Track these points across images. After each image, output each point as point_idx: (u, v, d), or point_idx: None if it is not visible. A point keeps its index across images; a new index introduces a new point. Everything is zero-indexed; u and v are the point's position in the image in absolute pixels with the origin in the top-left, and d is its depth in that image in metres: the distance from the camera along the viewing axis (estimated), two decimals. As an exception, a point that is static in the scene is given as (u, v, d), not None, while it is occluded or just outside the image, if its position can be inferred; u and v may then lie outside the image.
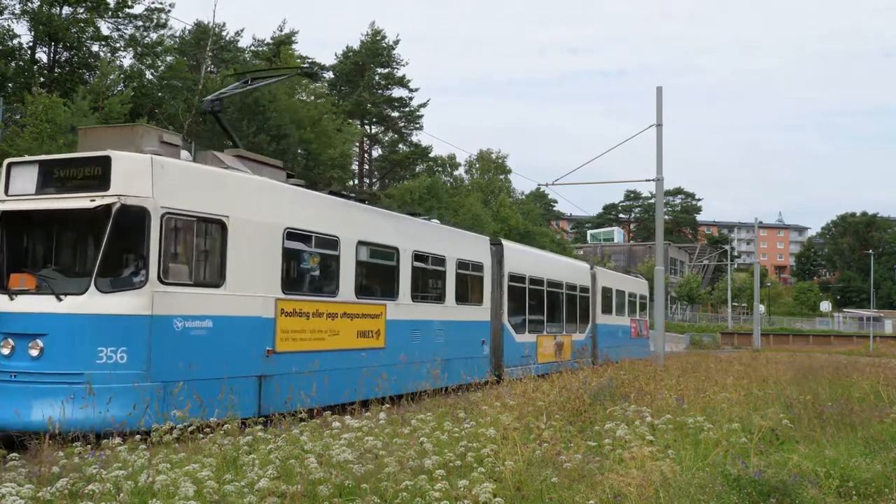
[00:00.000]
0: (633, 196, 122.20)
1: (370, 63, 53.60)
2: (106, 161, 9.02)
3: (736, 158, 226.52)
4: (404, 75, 54.73)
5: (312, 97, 40.16)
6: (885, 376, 14.77)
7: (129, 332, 8.82)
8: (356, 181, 53.90)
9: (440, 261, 15.41)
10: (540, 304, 20.45)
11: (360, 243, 12.77)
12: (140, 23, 33.83)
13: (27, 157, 10.01)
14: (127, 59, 34.03)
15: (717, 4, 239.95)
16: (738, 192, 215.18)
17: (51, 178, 9.34)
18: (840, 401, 10.96)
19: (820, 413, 9.69)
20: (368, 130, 55.12)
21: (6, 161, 9.76)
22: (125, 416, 7.97)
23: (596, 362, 20.74)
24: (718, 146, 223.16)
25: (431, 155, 54.65)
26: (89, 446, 6.56)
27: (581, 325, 23.59)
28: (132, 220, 8.96)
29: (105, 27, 32.81)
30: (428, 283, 15.19)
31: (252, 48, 42.14)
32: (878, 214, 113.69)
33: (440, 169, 55.53)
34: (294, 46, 41.34)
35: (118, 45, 33.40)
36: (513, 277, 18.70)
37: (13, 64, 29.40)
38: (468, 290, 16.65)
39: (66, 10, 30.93)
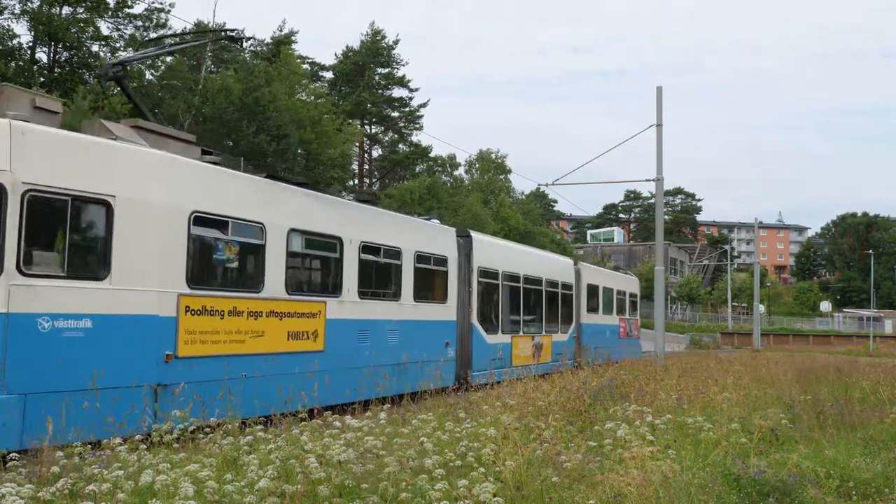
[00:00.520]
0: (633, 196, 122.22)
1: (370, 63, 53.61)
2: None
3: (736, 158, 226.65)
4: (404, 75, 54.78)
5: (313, 97, 40.14)
6: (885, 376, 14.78)
7: None
8: (356, 181, 53.92)
9: (395, 253, 13.90)
10: (515, 302, 19.17)
11: (294, 232, 11.27)
12: (140, 23, 33.84)
13: None
14: (127, 60, 33.99)
15: (717, 4, 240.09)
16: (738, 192, 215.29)
17: None
18: (840, 401, 10.97)
19: (820, 413, 9.70)
20: (368, 130, 55.12)
21: None
22: None
23: (579, 364, 20.36)
24: (718, 146, 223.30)
25: (431, 155, 54.69)
26: (89, 446, 6.56)
27: (563, 325, 22.36)
28: None
29: (105, 27, 32.83)
30: (380, 278, 13.66)
31: (252, 48, 42.13)
32: (878, 215, 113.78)
33: (440, 169, 55.53)
34: (294, 46, 41.30)
35: (118, 45, 33.40)
36: (484, 273, 17.38)
37: (13, 64, 29.39)
38: (430, 286, 15.25)
39: (66, 10, 30.93)
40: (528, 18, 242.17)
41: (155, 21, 34.17)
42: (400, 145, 56.08)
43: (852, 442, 8.22)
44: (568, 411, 9.28)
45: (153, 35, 34.24)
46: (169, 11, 34.28)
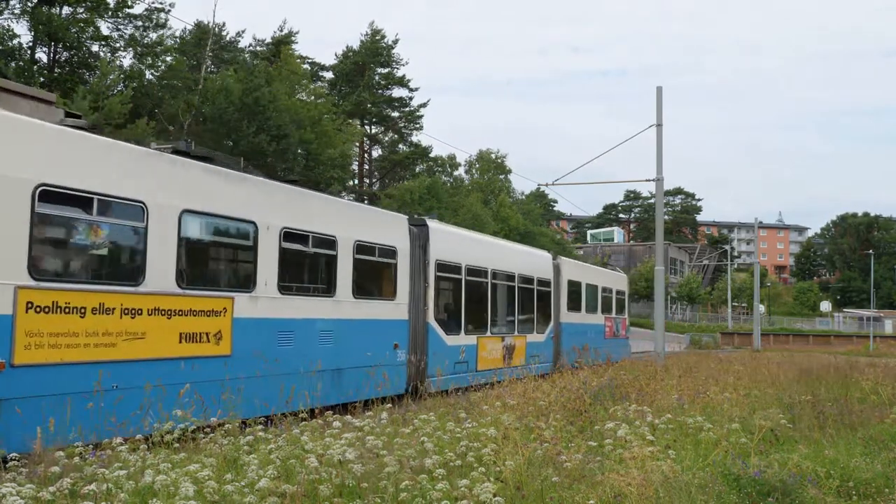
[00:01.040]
0: (633, 196, 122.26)
1: (370, 63, 53.63)
2: None
3: (736, 158, 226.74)
4: (404, 75, 54.82)
5: (312, 97, 40.17)
6: (885, 376, 14.78)
7: None
8: (356, 181, 53.94)
9: (328, 243, 12.16)
10: (482, 299, 17.45)
11: (190, 214, 9.54)
12: (140, 23, 33.84)
13: None
14: (127, 59, 34.08)
15: (717, 4, 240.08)
16: (738, 192, 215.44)
17: None
18: (840, 401, 10.97)
19: (820, 413, 9.71)
20: (368, 130, 55.15)
21: None
22: None
23: (558, 367, 19.12)
24: (718, 146, 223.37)
25: (431, 155, 54.73)
26: (90, 446, 6.56)
27: (540, 325, 20.67)
28: None
29: (105, 27, 32.83)
30: (309, 271, 12.08)
31: (252, 48, 42.17)
32: (878, 215, 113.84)
33: (440, 169, 55.55)
34: (294, 46, 41.33)
35: (118, 45, 33.41)
36: (443, 266, 15.59)
37: (13, 64, 29.39)
38: (375, 281, 13.66)
39: (66, 10, 30.94)
40: (529, 18, 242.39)
41: (155, 21, 34.18)
42: (400, 145, 56.10)
43: (852, 442, 8.23)
44: (568, 411, 9.28)
45: (153, 35, 34.30)
46: (169, 11, 34.32)
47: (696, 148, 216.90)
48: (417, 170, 54.52)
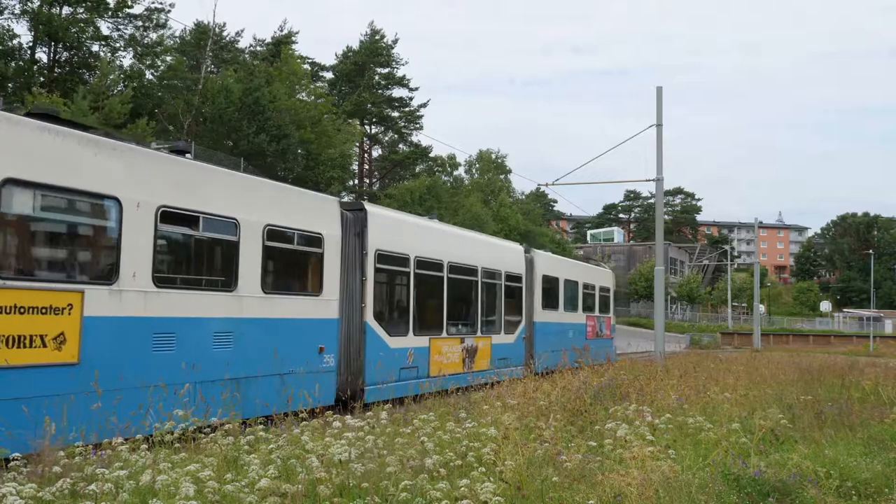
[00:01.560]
0: (633, 196, 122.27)
1: (370, 63, 53.67)
2: None
3: (736, 158, 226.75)
4: (404, 75, 54.88)
5: (313, 97, 40.20)
6: (886, 376, 14.80)
7: None
8: (356, 181, 53.97)
9: (228, 226, 10.18)
10: (437, 295, 15.58)
11: (14, 185, 7.59)
12: (140, 23, 33.89)
13: None
14: (127, 59, 34.13)
15: (717, 4, 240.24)
16: (738, 192, 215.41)
17: None
18: (840, 401, 10.98)
19: (819, 413, 9.72)
20: (368, 130, 55.19)
21: None
22: None
23: (530, 370, 17.53)
24: (718, 146, 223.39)
25: (431, 155, 54.78)
26: (90, 446, 6.57)
27: (509, 325, 18.87)
28: None
29: (105, 27, 32.90)
30: (198, 260, 10.22)
31: (252, 48, 42.20)
32: (878, 215, 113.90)
33: (440, 169, 55.60)
34: (294, 46, 41.34)
35: (118, 45, 33.46)
36: (386, 258, 13.71)
37: (13, 64, 29.42)
38: (293, 273, 11.93)
39: (66, 10, 30.96)
40: (530, 18, 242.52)
41: (155, 21, 34.22)
42: (400, 145, 56.14)
43: (852, 442, 8.24)
44: (568, 411, 9.30)
45: (153, 35, 34.35)
46: (169, 11, 34.35)
47: (696, 148, 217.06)
48: (417, 170, 54.56)
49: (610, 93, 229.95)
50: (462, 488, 5.17)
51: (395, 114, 55.47)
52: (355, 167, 53.00)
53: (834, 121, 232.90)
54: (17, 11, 30.18)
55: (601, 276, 26.89)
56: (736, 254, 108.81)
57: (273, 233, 11.04)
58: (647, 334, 45.14)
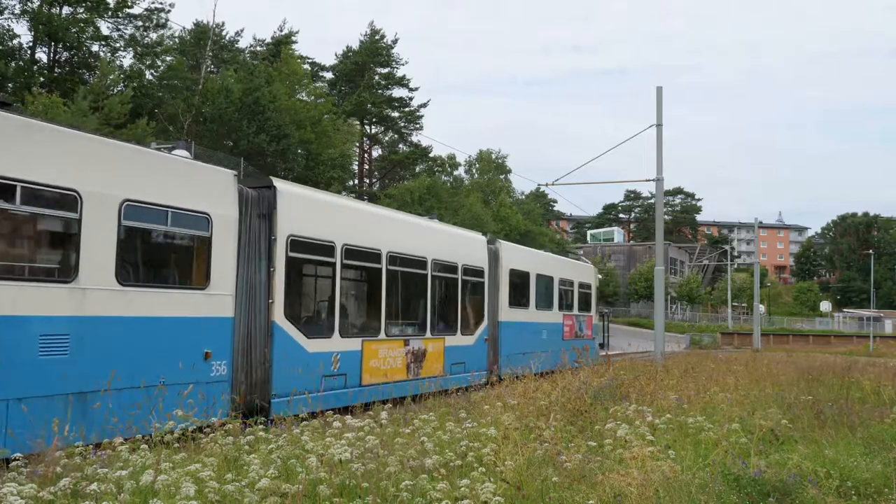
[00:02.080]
0: (633, 196, 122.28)
1: (370, 63, 53.70)
2: None
3: (736, 158, 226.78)
4: (404, 75, 54.95)
5: (313, 97, 40.23)
6: (886, 376, 14.80)
7: None
8: (356, 181, 53.99)
9: (62, 200, 8.19)
10: (373, 291, 13.64)
11: None
12: (140, 23, 33.89)
13: None
14: (127, 59, 34.14)
15: (717, 4, 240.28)
16: (738, 192, 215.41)
17: None
18: (840, 401, 10.99)
19: (819, 413, 9.72)
20: (368, 130, 55.21)
21: None
22: None
23: (495, 375, 16.37)
24: (719, 146, 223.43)
25: (431, 155, 54.82)
26: (91, 446, 6.58)
27: (467, 324, 16.85)
28: None
29: (105, 27, 32.90)
30: (17, 242, 8.18)
31: (252, 48, 42.23)
32: (878, 215, 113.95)
33: (440, 169, 55.64)
34: (294, 46, 41.38)
35: (118, 45, 33.47)
36: (302, 245, 11.64)
37: (13, 64, 29.43)
38: (167, 261, 9.83)
39: (66, 10, 30.97)
40: (530, 18, 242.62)
41: (155, 21, 34.23)
42: (400, 145, 56.17)
43: (852, 442, 8.24)
44: (568, 411, 9.30)
45: (153, 35, 34.37)
46: (169, 11, 34.36)
47: (696, 148, 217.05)
48: (417, 170, 54.59)
49: (610, 93, 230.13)
50: (462, 488, 5.17)
51: (395, 114, 55.51)
52: (355, 167, 53.05)
53: (834, 121, 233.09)
54: (17, 11, 30.22)
55: (581, 272, 25.13)
56: (736, 254, 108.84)
57: (134, 210, 8.95)
58: (647, 334, 45.16)
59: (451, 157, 56.89)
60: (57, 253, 8.51)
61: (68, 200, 8.21)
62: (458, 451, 6.51)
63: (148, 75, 34.22)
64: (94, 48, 32.89)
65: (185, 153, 10.65)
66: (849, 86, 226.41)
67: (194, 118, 32.52)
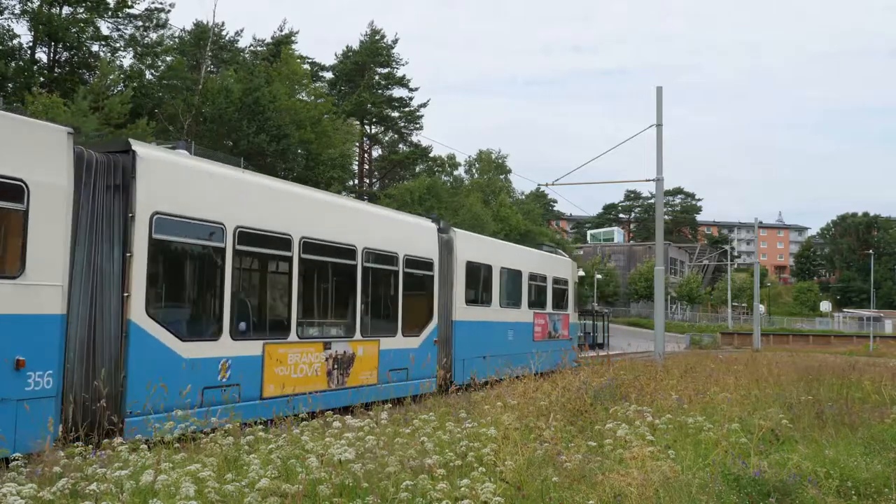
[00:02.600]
0: (633, 196, 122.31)
1: (370, 63, 53.72)
2: None
3: (736, 158, 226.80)
4: (404, 75, 54.95)
5: (313, 97, 40.24)
6: (886, 376, 14.80)
7: None
8: (356, 181, 53.99)
9: None
10: (279, 284, 11.67)
11: None
12: (140, 23, 33.89)
13: None
14: (127, 59, 34.14)
15: (717, 4, 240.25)
16: (738, 192, 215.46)
17: None
18: (840, 401, 10.99)
19: (820, 413, 9.72)
20: (368, 130, 55.22)
21: None
22: None
23: (446, 382, 14.76)
24: (719, 146, 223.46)
25: (431, 155, 54.82)
26: (91, 446, 6.58)
27: (411, 324, 14.67)
28: None
29: (105, 27, 32.89)
30: None
31: (252, 48, 42.23)
32: (878, 215, 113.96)
33: (440, 169, 55.64)
34: (294, 46, 41.37)
35: (118, 45, 33.47)
36: (174, 226, 9.50)
37: (13, 64, 29.42)
38: None
39: (66, 10, 30.97)
40: (530, 18, 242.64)
41: (155, 21, 34.23)
42: (400, 145, 56.17)
43: (852, 442, 8.24)
44: (568, 411, 9.30)
45: (153, 35, 34.37)
46: (169, 11, 34.36)
47: (696, 148, 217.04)
48: (417, 170, 54.60)
49: (610, 93, 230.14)
50: (462, 488, 5.17)
51: (395, 114, 55.52)
52: (355, 167, 53.05)
53: (834, 121, 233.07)
54: (17, 11, 30.21)
55: (556, 266, 22.65)
56: (736, 254, 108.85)
57: None
58: (646, 334, 45.17)
59: (451, 157, 56.92)
60: None
61: None
62: (458, 451, 6.51)
63: (148, 75, 34.22)
64: (94, 48, 32.90)
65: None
66: (849, 86, 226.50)
67: (194, 118, 32.52)
